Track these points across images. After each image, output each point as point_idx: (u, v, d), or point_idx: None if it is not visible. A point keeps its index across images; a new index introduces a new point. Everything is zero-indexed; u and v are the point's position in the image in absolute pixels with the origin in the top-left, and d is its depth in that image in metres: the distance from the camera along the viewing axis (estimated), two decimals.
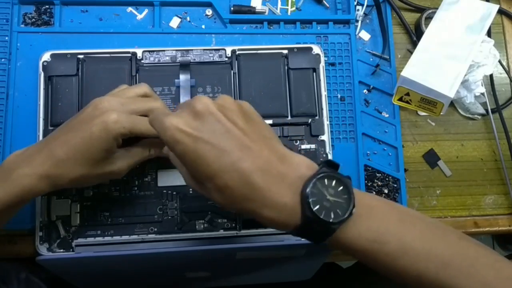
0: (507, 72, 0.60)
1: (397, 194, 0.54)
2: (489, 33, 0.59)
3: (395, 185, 0.55)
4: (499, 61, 0.58)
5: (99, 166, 0.41)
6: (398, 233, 0.34)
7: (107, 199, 0.48)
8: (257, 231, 0.48)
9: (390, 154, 0.56)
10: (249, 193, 0.33)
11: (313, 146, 0.51)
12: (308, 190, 0.33)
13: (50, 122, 0.49)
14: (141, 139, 0.44)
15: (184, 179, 0.38)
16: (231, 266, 0.54)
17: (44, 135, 0.48)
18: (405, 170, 0.56)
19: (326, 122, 0.51)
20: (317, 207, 0.32)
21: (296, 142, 0.51)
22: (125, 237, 0.47)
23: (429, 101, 0.53)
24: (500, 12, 0.61)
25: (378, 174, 0.55)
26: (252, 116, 0.36)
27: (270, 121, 0.50)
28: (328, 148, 0.51)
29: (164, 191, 0.48)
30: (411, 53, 0.55)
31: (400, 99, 0.55)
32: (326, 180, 0.34)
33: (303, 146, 0.51)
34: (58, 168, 0.39)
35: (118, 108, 0.41)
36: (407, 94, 0.54)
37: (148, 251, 0.46)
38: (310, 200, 0.32)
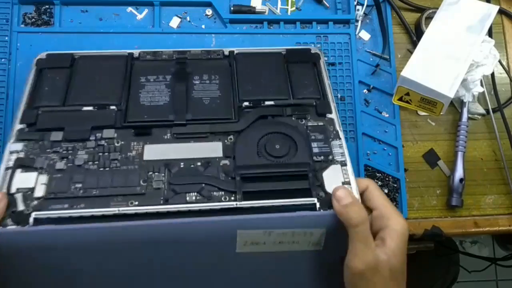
0: (507, 72, 0.60)
1: (397, 194, 0.54)
2: (490, 33, 0.59)
3: (395, 185, 0.55)
4: (499, 61, 0.58)
5: None
6: None
7: (81, 171, 0.40)
8: (261, 202, 0.38)
9: (390, 154, 0.56)
10: None
11: (321, 122, 0.45)
12: None
13: (32, 104, 0.45)
14: None
15: None
16: (229, 269, 0.43)
17: (23, 117, 0.44)
18: (405, 170, 0.56)
19: (332, 104, 0.47)
20: None
21: (302, 120, 0.45)
22: (97, 210, 0.38)
23: (429, 101, 0.53)
24: (500, 12, 0.61)
25: (378, 174, 0.55)
26: None
27: (271, 102, 0.47)
28: (337, 125, 0.45)
29: (151, 164, 0.41)
30: (411, 53, 0.55)
31: (400, 99, 0.55)
32: None
33: (309, 124, 0.45)
34: None
35: None
36: (407, 94, 0.54)
37: (123, 224, 0.37)
38: None
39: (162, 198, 0.39)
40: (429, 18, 0.57)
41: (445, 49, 0.53)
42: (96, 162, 0.41)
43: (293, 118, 0.45)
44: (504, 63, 0.60)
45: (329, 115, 0.46)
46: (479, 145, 0.58)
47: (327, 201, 0.39)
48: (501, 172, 0.57)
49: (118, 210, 0.38)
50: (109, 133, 0.43)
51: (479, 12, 0.55)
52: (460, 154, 0.55)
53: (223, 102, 0.46)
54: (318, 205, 0.39)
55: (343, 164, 0.42)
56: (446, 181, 0.56)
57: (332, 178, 0.41)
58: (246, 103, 0.46)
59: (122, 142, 0.43)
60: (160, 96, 0.46)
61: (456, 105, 0.58)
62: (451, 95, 0.51)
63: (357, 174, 0.54)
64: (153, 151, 0.42)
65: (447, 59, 0.53)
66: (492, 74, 0.59)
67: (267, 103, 0.46)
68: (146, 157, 0.42)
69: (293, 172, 0.41)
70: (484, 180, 0.57)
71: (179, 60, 0.50)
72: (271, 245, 0.39)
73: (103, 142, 0.43)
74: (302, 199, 0.39)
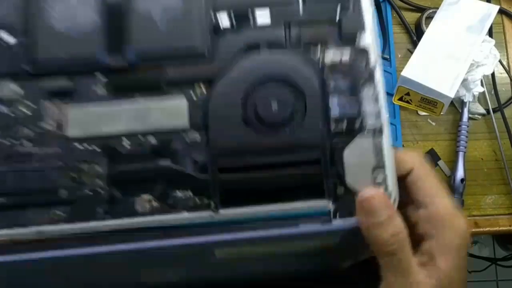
0: (507, 72, 0.60)
1: None
2: (490, 33, 0.59)
3: None
4: (500, 61, 0.58)
5: None
6: None
7: None
8: (249, 210, 0.25)
9: None
10: None
11: (346, 55, 0.26)
12: None
13: None
14: None
15: None
16: (208, 270, 0.32)
17: None
18: None
19: (367, 16, 0.26)
20: None
21: (316, 53, 0.26)
22: (7, 232, 0.25)
23: (429, 101, 0.53)
24: (501, 12, 0.61)
25: None
26: None
27: (265, 11, 0.26)
28: (373, 58, 0.26)
29: (80, 146, 0.26)
30: (412, 53, 0.55)
31: (400, 99, 0.55)
32: None
33: (328, 58, 0.26)
34: None
35: None
36: (407, 94, 0.54)
37: (48, 254, 0.25)
38: None
39: (100, 207, 0.26)
40: (429, 18, 0.57)
41: (446, 49, 0.53)
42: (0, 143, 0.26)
43: (301, 49, 0.26)
44: (505, 63, 0.60)
45: (360, 39, 0.26)
46: (480, 145, 0.58)
47: (348, 203, 0.25)
48: (502, 172, 0.57)
49: (38, 232, 0.25)
50: (9, 89, 0.26)
51: (479, 12, 0.55)
52: (461, 154, 0.55)
53: (186, 20, 0.27)
54: (332, 209, 0.25)
55: (378, 132, 0.25)
56: (446, 181, 0.56)
57: (357, 161, 0.25)
58: (224, 18, 0.27)
59: (31, 106, 0.26)
60: (82, 13, 0.27)
61: (457, 105, 0.58)
62: (452, 95, 0.51)
63: None
64: (81, 121, 0.26)
65: (448, 59, 0.53)
66: (493, 74, 0.59)
67: (258, 13, 0.27)
68: (72, 131, 0.26)
69: (298, 156, 0.25)
70: (485, 180, 0.57)
71: None
72: (262, 252, 0.29)
73: (1, 107, 0.26)
74: (309, 202, 0.25)
